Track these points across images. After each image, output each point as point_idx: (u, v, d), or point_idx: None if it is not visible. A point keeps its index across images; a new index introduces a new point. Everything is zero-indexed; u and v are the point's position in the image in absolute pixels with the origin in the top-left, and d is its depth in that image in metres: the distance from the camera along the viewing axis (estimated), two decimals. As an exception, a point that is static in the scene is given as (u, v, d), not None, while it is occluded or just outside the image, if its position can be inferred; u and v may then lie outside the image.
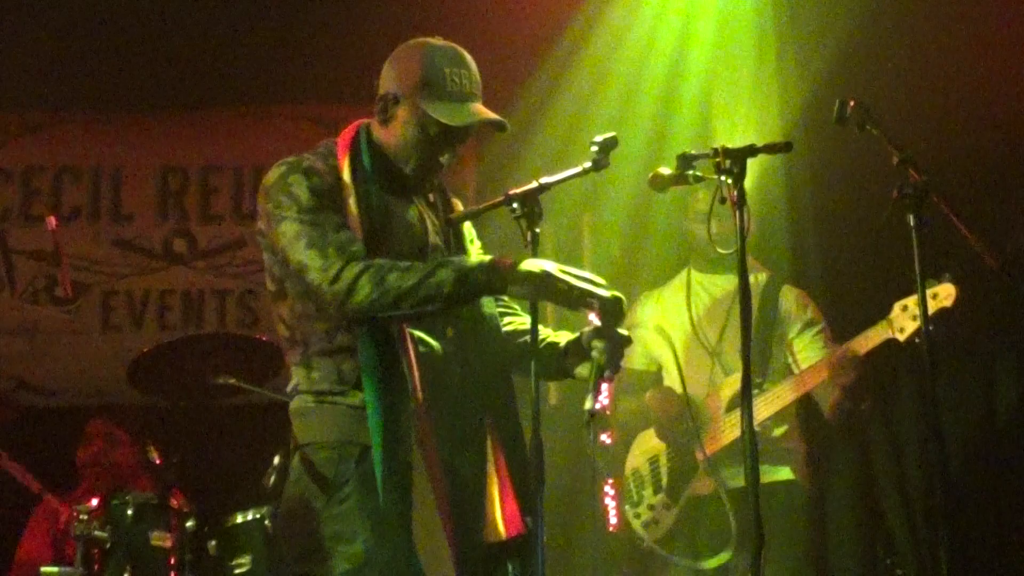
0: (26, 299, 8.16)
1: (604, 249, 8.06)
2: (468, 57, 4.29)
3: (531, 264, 3.98)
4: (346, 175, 4.17)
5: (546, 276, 3.97)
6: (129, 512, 5.92)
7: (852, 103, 4.48)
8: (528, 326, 4.17)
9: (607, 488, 7.45)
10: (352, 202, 4.14)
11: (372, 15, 7.58)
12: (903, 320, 5.39)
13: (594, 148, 4.17)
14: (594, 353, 4.07)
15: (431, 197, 4.40)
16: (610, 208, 7.85)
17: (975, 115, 6.83)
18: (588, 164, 4.17)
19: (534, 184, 4.09)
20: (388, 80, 4.27)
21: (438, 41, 4.30)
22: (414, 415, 4.02)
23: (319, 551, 4.04)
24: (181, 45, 7.93)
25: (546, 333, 4.37)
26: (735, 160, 4.09)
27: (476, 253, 4.50)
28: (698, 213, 5.94)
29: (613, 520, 7.45)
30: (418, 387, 4.02)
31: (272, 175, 4.17)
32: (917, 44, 6.94)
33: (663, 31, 7.55)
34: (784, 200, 7.09)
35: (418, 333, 4.13)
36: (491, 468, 4.23)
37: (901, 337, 5.40)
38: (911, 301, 5.36)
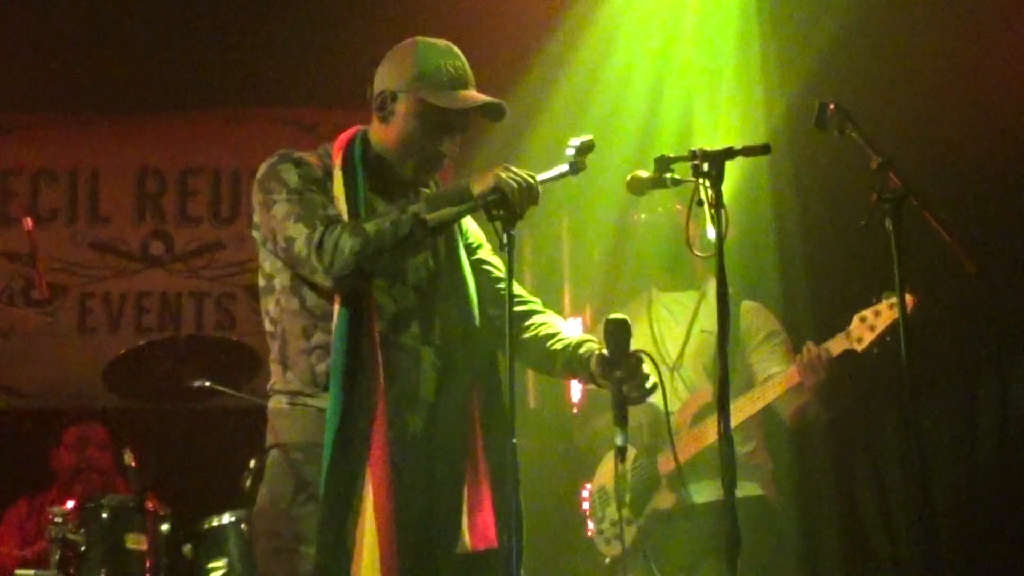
0: (2, 301, 8.12)
1: (584, 253, 8.04)
2: (459, 50, 4.31)
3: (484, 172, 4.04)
4: (337, 170, 4.19)
5: (497, 177, 3.98)
6: (104, 515, 5.90)
7: (832, 106, 4.47)
8: (556, 329, 4.40)
9: (584, 492, 7.45)
10: (340, 195, 4.15)
11: (351, 17, 7.57)
12: (861, 331, 5.41)
13: (570, 151, 4.17)
14: (612, 386, 4.06)
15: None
16: (590, 212, 7.83)
17: (960, 118, 6.82)
18: (565, 168, 4.17)
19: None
20: (383, 79, 4.29)
21: (429, 38, 4.32)
22: (375, 421, 4.03)
23: (283, 551, 4.08)
24: (159, 47, 7.90)
25: (568, 338, 4.40)
26: (713, 162, 4.08)
27: (485, 254, 4.50)
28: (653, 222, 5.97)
29: (591, 526, 7.46)
30: (382, 391, 4.02)
31: (262, 167, 4.22)
32: (901, 46, 6.92)
33: (648, 36, 7.54)
34: (749, 210, 7.07)
35: (396, 338, 4.14)
36: (469, 478, 4.21)
37: (859, 347, 5.42)
38: (869, 312, 5.40)
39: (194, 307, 8.35)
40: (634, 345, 5.89)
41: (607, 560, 5.98)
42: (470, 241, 4.48)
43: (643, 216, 6.03)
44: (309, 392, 4.14)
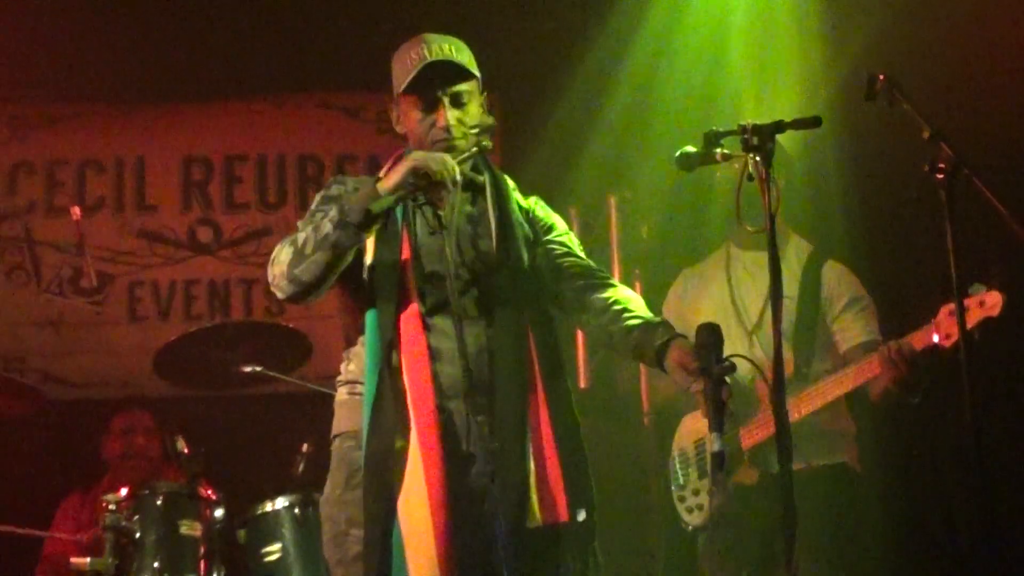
0: (51, 291, 8.14)
1: (633, 229, 8.01)
2: (437, 35, 4.34)
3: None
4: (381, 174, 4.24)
5: (409, 170, 4.02)
6: (158, 502, 5.90)
7: (882, 78, 4.42)
8: (638, 314, 4.34)
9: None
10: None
11: (393, 3, 7.55)
12: (949, 325, 5.09)
13: (474, 131, 4.27)
14: (707, 390, 3.96)
15: (481, 183, 4.39)
16: (638, 188, 7.80)
17: (1016, 91, 6.76)
18: (474, 149, 4.24)
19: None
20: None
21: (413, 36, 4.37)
22: (412, 407, 4.07)
23: (338, 536, 4.18)
24: (201, 35, 7.92)
25: (643, 318, 4.36)
26: (763, 137, 4.04)
27: (559, 239, 4.50)
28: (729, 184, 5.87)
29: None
30: (406, 379, 4.08)
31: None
32: (957, 17, 6.86)
33: (698, 10, 7.49)
34: (833, 172, 7.01)
35: (434, 322, 4.19)
36: (535, 451, 4.18)
37: (947, 343, 5.11)
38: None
39: (243, 293, 8.35)
40: (712, 305, 5.89)
41: (689, 528, 5.92)
42: (540, 225, 4.48)
43: (721, 172, 5.89)
44: (362, 381, 4.19)
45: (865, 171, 7.08)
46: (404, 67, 4.26)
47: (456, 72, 4.27)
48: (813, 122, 4.14)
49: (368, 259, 4.21)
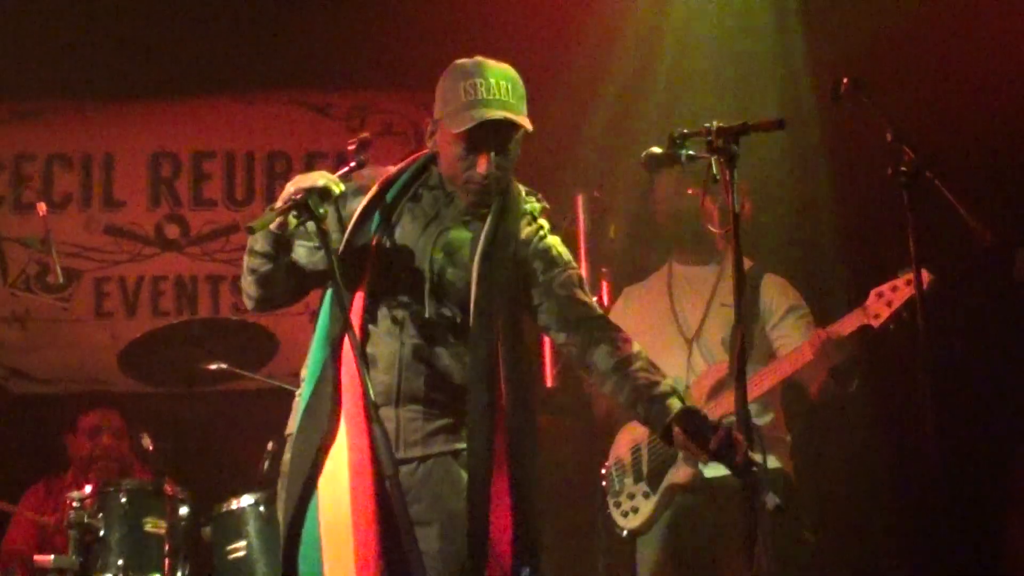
0: (18, 287, 8.12)
1: (600, 230, 8.02)
2: (494, 66, 4.26)
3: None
4: (376, 184, 4.28)
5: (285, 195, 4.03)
6: (123, 499, 5.90)
7: (847, 80, 4.45)
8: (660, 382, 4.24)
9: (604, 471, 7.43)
10: (358, 212, 4.23)
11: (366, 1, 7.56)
12: (878, 307, 5.35)
13: (351, 147, 4.25)
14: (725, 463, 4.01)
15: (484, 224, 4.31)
16: (606, 189, 7.82)
17: (984, 95, 6.82)
18: (353, 164, 4.23)
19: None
20: (435, 107, 4.34)
21: (466, 59, 4.30)
22: (346, 418, 4.09)
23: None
24: (171, 31, 7.90)
25: (649, 375, 4.29)
26: (727, 138, 4.06)
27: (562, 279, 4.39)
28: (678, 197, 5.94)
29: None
30: (342, 385, 4.09)
31: None
32: (930, 23, 6.91)
33: (669, 12, 7.51)
34: (772, 187, 7.04)
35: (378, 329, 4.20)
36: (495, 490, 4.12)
37: (875, 323, 5.36)
38: (886, 287, 5.36)
39: (210, 290, 8.35)
40: (653, 316, 5.94)
41: (624, 533, 5.96)
42: (542, 259, 4.38)
43: (663, 191, 6.00)
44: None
45: (830, 172, 7.12)
46: (456, 97, 4.18)
47: (510, 126, 4.20)
48: (777, 124, 4.17)
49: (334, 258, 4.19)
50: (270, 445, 6.07)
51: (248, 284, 4.21)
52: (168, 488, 5.98)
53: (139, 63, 8.07)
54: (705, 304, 5.93)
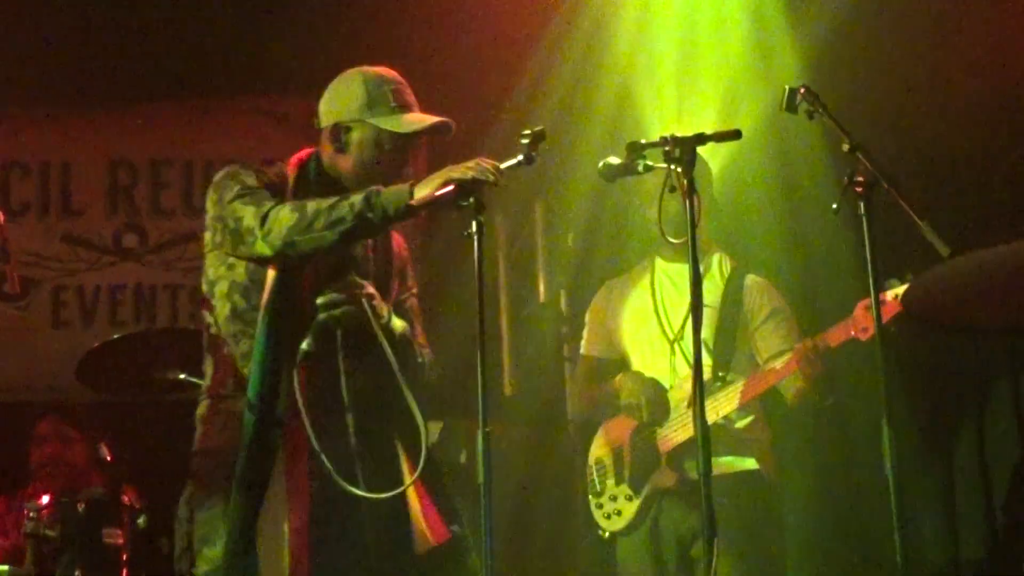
0: (-26, 296, 8.09)
1: (558, 239, 8.04)
2: (398, 75, 4.48)
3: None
4: (290, 193, 4.32)
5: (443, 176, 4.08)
6: (80, 509, 5.89)
7: (802, 91, 4.48)
8: None
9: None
10: None
11: (322, 6, 7.55)
12: (866, 320, 5.23)
13: (524, 141, 4.24)
14: None
15: None
16: (564, 198, 7.84)
17: (941, 106, 6.87)
18: (520, 157, 4.24)
19: None
20: (333, 111, 4.44)
21: (370, 67, 4.48)
22: (288, 430, 4.14)
23: (190, 552, 4.26)
24: (128, 39, 7.88)
25: None
26: (684, 148, 4.09)
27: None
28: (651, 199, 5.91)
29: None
30: (302, 402, 4.12)
31: (220, 172, 4.38)
32: (889, 35, 6.95)
33: (616, 21, 7.51)
34: (754, 186, 7.07)
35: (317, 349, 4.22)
36: (408, 482, 4.31)
37: (864, 337, 5.27)
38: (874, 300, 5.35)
39: (169, 299, 8.33)
40: (635, 314, 5.96)
41: (606, 535, 5.96)
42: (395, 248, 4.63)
43: (641, 184, 5.96)
44: (232, 395, 4.27)
45: (788, 183, 7.14)
46: (384, 100, 4.37)
47: (444, 131, 4.42)
48: (733, 134, 4.20)
49: (270, 277, 4.23)
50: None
51: (315, 239, 4.10)
52: (126, 498, 5.96)
53: (97, 71, 8.05)
54: (687, 304, 5.89)
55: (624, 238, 6.77)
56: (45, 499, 5.94)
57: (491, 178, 4.08)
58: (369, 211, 4.07)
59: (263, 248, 4.15)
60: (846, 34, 6.91)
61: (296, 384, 4.13)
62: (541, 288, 8.08)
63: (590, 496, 6.04)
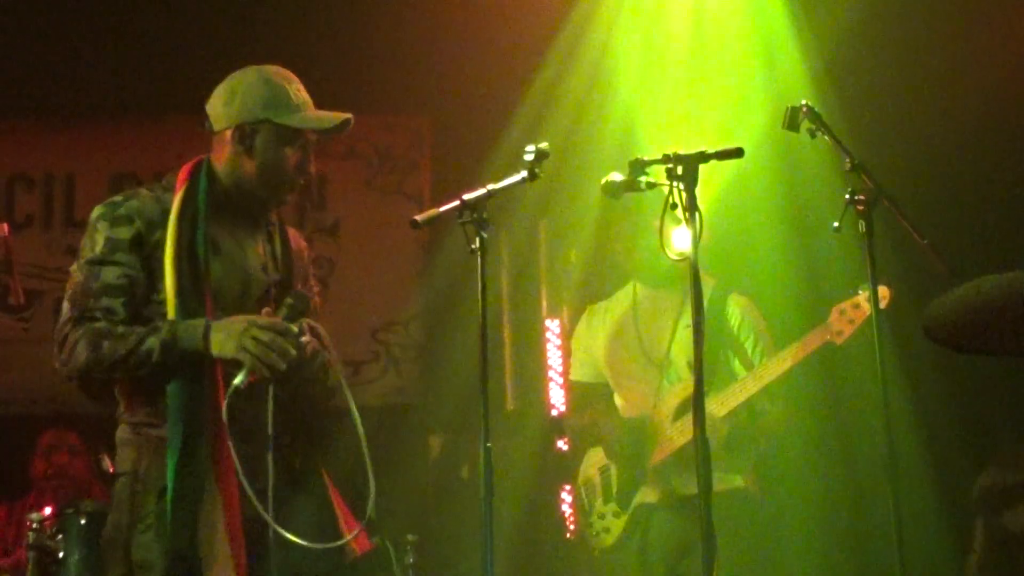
0: (-23, 308, 8.12)
1: (561, 255, 8.06)
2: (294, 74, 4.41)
3: (221, 327, 4.04)
4: (173, 213, 4.20)
5: (240, 349, 4.01)
6: (82, 521, 5.86)
7: (803, 109, 4.50)
8: None
9: (564, 495, 7.44)
10: (170, 242, 4.16)
11: (323, 21, 7.58)
12: (840, 324, 5.43)
13: (528, 157, 4.26)
14: None
15: (272, 231, 4.45)
16: (566, 214, 7.85)
17: (943, 123, 6.90)
18: (524, 174, 4.25)
19: (482, 191, 4.14)
20: (233, 113, 4.33)
21: (263, 66, 4.39)
22: (213, 456, 4.08)
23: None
24: (131, 51, 7.90)
25: None
26: (687, 166, 4.10)
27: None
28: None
29: (571, 527, 7.44)
30: (225, 427, 4.04)
31: (94, 212, 4.28)
32: (895, 50, 6.98)
33: (622, 40, 7.53)
34: (757, 202, 7.09)
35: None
36: (332, 497, 4.35)
37: (839, 340, 5.44)
38: (848, 305, 5.42)
39: (171, 311, 8.33)
40: (618, 340, 5.97)
41: (598, 552, 5.97)
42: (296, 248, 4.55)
43: (628, 211, 6.00)
44: (153, 422, 4.17)
45: (791, 199, 7.16)
46: (286, 99, 4.29)
47: (345, 127, 4.37)
48: (735, 152, 4.20)
49: (170, 296, 4.15)
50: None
51: (106, 371, 4.08)
52: (128, 509, 5.95)
53: (100, 84, 8.08)
54: (671, 327, 5.91)
55: (627, 254, 6.77)
56: (48, 510, 5.94)
57: (267, 373, 4.02)
58: (167, 357, 4.03)
59: (61, 369, 4.14)
60: (852, 49, 6.94)
61: (223, 416, 4.06)
62: (544, 305, 8.10)
63: (580, 516, 6.07)
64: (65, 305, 4.17)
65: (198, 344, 4.03)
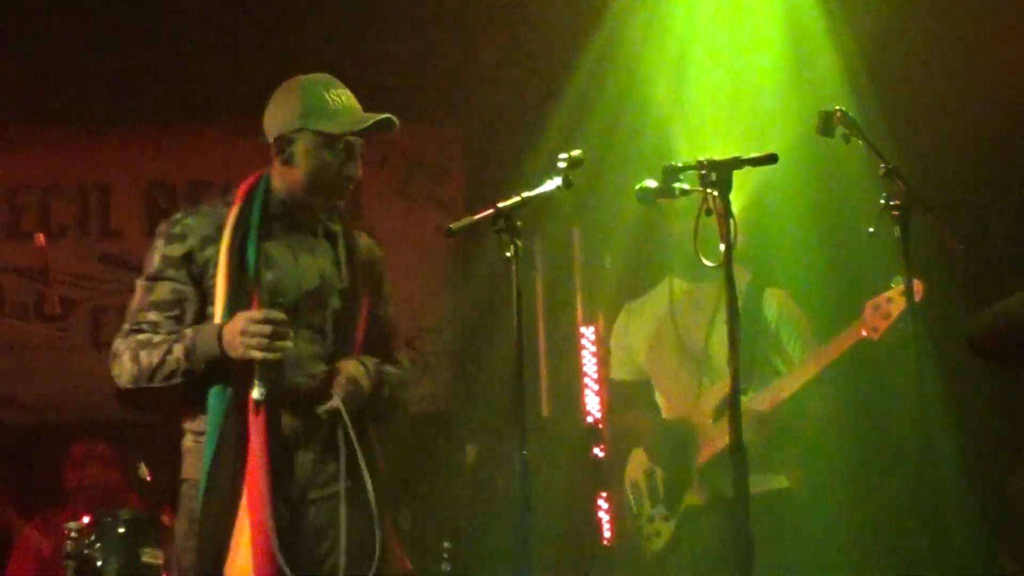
0: (14, 316, 8.14)
1: (596, 261, 8.06)
2: (338, 80, 4.45)
3: (228, 328, 4.13)
4: (227, 227, 4.30)
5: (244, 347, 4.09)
6: (120, 529, 5.88)
7: (837, 113, 4.49)
8: None
9: (600, 502, 7.43)
10: (222, 255, 4.26)
11: (356, 30, 7.59)
12: (875, 319, 5.40)
13: (562, 164, 4.27)
14: None
15: (336, 240, 4.48)
16: (601, 220, 7.84)
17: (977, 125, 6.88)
18: (558, 181, 4.27)
19: (516, 198, 4.15)
20: (274, 125, 4.44)
21: (309, 75, 4.46)
22: (240, 459, 4.14)
23: None
24: (167, 60, 7.92)
25: None
26: (720, 172, 4.09)
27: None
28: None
29: (607, 534, 7.43)
30: (254, 432, 4.13)
31: (158, 228, 4.44)
32: (922, 55, 6.96)
33: (666, 44, 7.52)
34: (789, 205, 7.07)
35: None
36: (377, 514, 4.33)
37: (875, 336, 5.41)
38: (882, 299, 5.39)
39: (206, 320, 8.36)
40: (656, 335, 5.96)
41: (648, 557, 5.95)
42: (367, 258, 4.57)
43: (665, 204, 5.97)
44: (207, 429, 4.24)
45: (824, 203, 7.15)
46: (324, 105, 4.34)
47: (387, 127, 4.39)
48: (769, 159, 4.20)
49: (219, 309, 4.25)
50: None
51: (145, 384, 4.25)
52: (165, 518, 5.97)
53: (136, 93, 8.10)
54: (708, 321, 5.87)
55: (661, 259, 6.76)
56: (86, 519, 5.96)
57: (270, 356, 4.08)
58: (191, 364, 4.15)
59: (115, 383, 4.34)
60: (887, 50, 6.92)
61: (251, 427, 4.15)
62: (579, 311, 8.10)
63: (628, 520, 6.05)
64: (125, 317, 4.38)
65: (214, 348, 4.12)
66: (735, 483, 4.03)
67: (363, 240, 4.58)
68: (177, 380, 4.18)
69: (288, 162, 4.36)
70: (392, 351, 4.58)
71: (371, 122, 4.33)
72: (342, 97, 4.37)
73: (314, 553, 4.23)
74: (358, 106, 4.39)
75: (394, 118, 4.37)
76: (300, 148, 4.34)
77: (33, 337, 8.19)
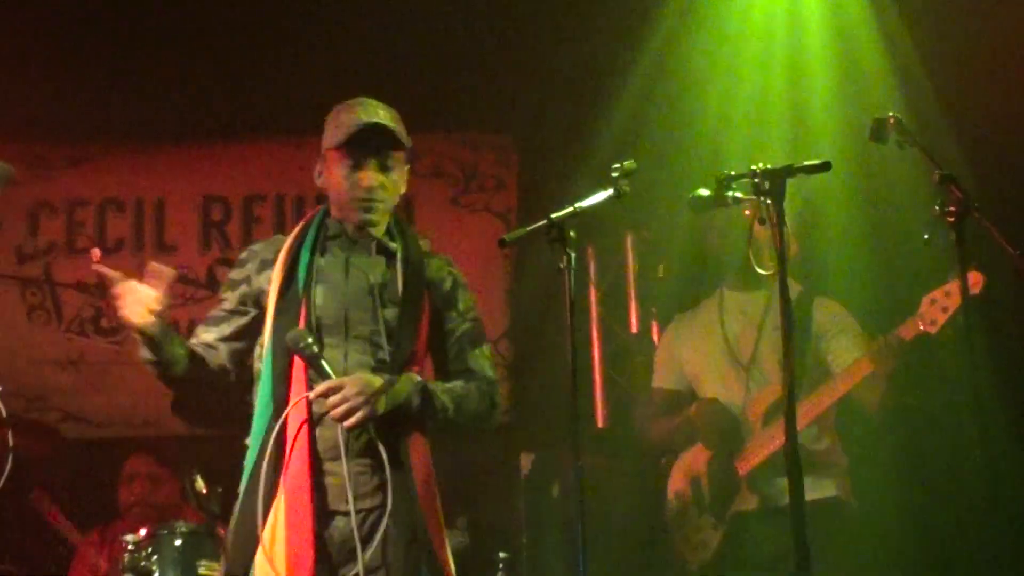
0: (72, 330, 8.19)
1: (649, 269, 8.05)
2: (375, 102, 4.53)
3: None
4: (284, 248, 4.48)
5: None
6: (177, 542, 5.89)
7: (891, 120, 4.47)
8: None
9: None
10: (277, 271, 4.43)
11: (409, 42, 7.60)
12: (933, 313, 5.39)
13: (614, 175, 4.31)
14: None
15: (395, 255, 4.52)
16: (654, 228, 7.83)
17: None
18: (611, 191, 4.31)
19: (569, 208, 4.16)
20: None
21: (355, 99, 4.57)
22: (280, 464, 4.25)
23: None
24: (222, 75, 7.95)
25: None
26: (774, 181, 4.08)
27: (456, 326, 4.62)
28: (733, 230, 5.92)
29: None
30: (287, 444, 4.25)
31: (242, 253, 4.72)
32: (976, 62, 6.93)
33: (719, 54, 7.51)
34: (824, 210, 7.05)
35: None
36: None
37: (933, 330, 5.40)
38: (939, 293, 5.37)
39: (261, 333, 8.38)
40: (705, 344, 5.96)
41: (696, 568, 5.93)
42: (433, 279, 4.62)
43: (715, 217, 5.99)
44: None
45: (874, 211, 7.12)
46: (339, 124, 4.46)
47: (388, 139, 4.44)
48: (822, 167, 4.19)
49: (268, 321, 4.39)
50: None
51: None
52: (222, 531, 5.98)
53: (191, 108, 8.14)
54: (757, 329, 5.90)
55: (714, 267, 6.75)
56: (143, 532, 5.98)
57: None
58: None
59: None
60: (938, 57, 6.89)
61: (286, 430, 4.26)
62: (633, 319, 8.09)
63: (673, 532, 6.03)
64: None
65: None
66: (791, 491, 4.01)
67: (435, 261, 4.63)
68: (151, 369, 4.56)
69: (324, 185, 4.54)
70: (470, 364, 4.58)
71: (356, 128, 4.40)
72: (357, 113, 4.45)
73: (346, 568, 4.25)
74: (371, 119, 4.43)
75: (385, 123, 4.43)
76: (323, 170, 4.54)
77: (91, 351, 8.24)
